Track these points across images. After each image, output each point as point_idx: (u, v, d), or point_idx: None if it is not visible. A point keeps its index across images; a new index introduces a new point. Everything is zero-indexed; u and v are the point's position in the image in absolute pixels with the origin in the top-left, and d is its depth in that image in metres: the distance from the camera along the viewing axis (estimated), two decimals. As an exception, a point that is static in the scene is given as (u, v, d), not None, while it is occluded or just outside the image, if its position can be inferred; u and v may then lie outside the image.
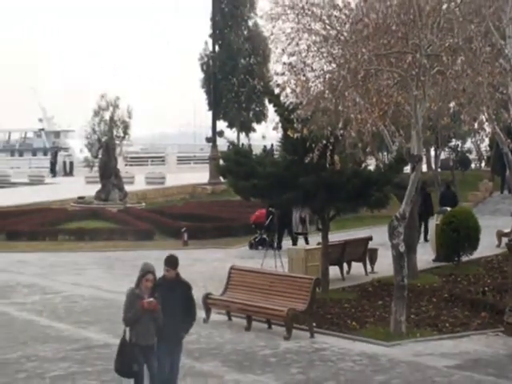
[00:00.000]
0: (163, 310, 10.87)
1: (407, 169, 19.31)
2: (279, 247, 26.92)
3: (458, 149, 51.81)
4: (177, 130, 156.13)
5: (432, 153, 46.41)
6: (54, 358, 15.06)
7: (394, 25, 16.11)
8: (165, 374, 11.03)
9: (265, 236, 28.75)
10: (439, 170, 47.30)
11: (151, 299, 10.74)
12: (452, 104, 17.84)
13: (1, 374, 14.07)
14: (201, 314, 17.77)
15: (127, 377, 10.86)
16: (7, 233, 31.58)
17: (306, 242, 27.67)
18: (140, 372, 10.76)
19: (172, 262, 11.53)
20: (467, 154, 53.44)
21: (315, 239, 23.17)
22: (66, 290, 21.86)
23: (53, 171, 59.59)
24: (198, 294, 18.25)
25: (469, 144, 53.01)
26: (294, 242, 27.80)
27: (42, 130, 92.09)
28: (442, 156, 51.15)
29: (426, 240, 26.89)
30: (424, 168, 21.54)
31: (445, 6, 16.40)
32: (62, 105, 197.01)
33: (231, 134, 55.87)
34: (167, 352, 11.07)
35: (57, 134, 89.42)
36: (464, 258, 23.73)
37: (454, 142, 50.33)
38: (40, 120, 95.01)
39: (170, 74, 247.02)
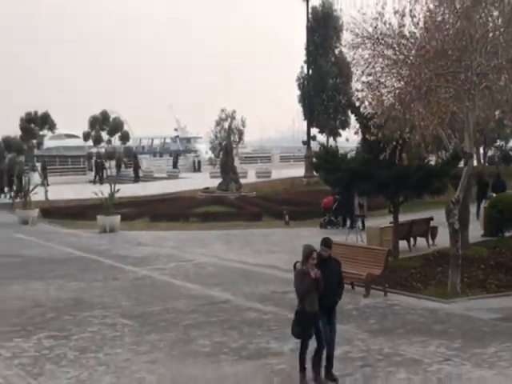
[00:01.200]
0: (326, 280, 10.72)
1: (461, 164, 19.40)
2: (351, 226, 27.03)
3: (502, 148, 51.43)
4: (279, 135, 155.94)
5: (481, 151, 45.97)
6: (187, 311, 15.45)
7: (450, 50, 16.18)
8: (328, 334, 10.83)
9: (332, 218, 28.99)
10: (486, 164, 46.96)
11: (317, 270, 10.56)
12: (497, 112, 17.74)
13: (147, 323, 14.51)
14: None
15: (303, 339, 10.66)
16: (151, 215, 32.21)
17: (363, 223, 27.36)
18: (312, 334, 10.57)
19: (328, 243, 11.29)
20: (510, 152, 52.97)
21: (387, 219, 23.20)
22: (195, 259, 22.28)
23: (175, 167, 60.49)
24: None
25: (511, 144, 52.50)
26: (354, 223, 27.46)
27: (177, 136, 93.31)
28: (489, 153, 50.76)
29: (478, 218, 26.75)
30: (474, 163, 21.39)
31: (491, 34, 16.37)
32: (192, 116, 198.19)
33: (322, 138, 55.83)
34: (326, 317, 10.87)
35: (188, 139, 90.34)
36: (506, 234, 23.72)
37: (498, 143, 50.10)
38: (175, 129, 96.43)
39: (273, 90, 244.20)
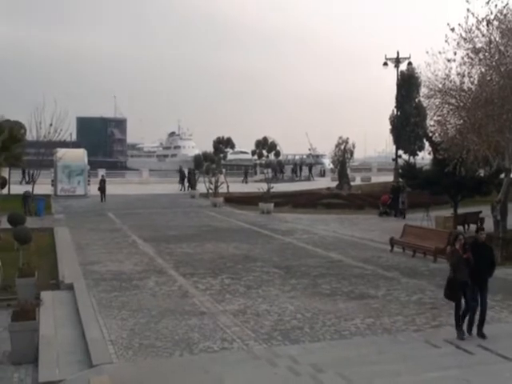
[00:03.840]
0: (478, 260, 9.09)
1: (502, 175, 18.27)
2: (402, 216, 26.39)
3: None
4: (377, 154, 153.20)
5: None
6: (314, 266, 15.34)
7: (496, 99, 15.37)
8: (475, 303, 9.14)
9: (387, 210, 27.84)
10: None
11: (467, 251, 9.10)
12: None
13: (289, 272, 14.48)
14: (387, 247, 17.88)
15: (453, 301, 9.32)
16: (292, 204, 32.00)
17: (403, 214, 26.51)
18: (460, 298, 9.17)
19: (483, 229, 9.95)
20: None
21: (449, 211, 22.25)
22: (320, 233, 22.08)
23: (296, 175, 60.63)
24: (386, 238, 18.42)
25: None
26: (397, 214, 26.88)
27: (310, 154, 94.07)
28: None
29: None
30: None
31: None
32: (320, 139, 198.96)
33: (405, 156, 54.57)
34: (478, 289, 9.18)
35: (317, 156, 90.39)
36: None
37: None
38: (309, 149, 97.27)
39: (374, 125, 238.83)
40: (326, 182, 48.14)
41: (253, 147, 32.38)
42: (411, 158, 54.96)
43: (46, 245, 18.21)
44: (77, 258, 16.18)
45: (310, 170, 61.38)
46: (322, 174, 62.02)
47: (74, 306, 11.08)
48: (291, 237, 20.91)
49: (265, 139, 31.55)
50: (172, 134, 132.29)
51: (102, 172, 47.51)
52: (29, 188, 27.96)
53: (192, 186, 43.68)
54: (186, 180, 45.09)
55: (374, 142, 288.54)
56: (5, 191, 27.71)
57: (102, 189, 35.09)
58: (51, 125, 30.39)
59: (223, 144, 37.60)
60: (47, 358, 8.27)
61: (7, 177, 30.14)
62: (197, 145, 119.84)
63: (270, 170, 32.87)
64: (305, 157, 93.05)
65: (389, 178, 48.70)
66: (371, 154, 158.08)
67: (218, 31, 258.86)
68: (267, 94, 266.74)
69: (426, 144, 27.02)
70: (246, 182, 49.41)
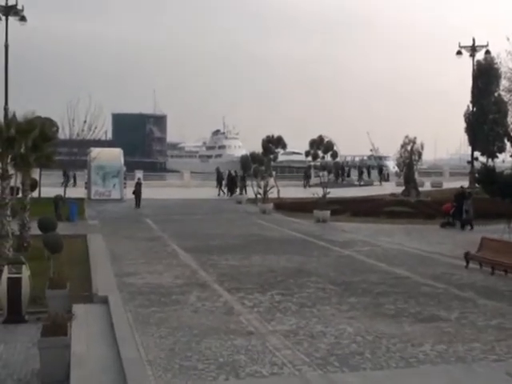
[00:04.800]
0: None
1: None
2: (470, 227, 26.10)
3: None
4: (449, 156, 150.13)
5: None
6: (377, 282, 15.03)
7: None
8: None
9: (450, 220, 27.24)
10: None
11: None
12: None
13: (348, 289, 14.31)
14: (461, 263, 17.46)
15: None
16: (351, 212, 31.83)
17: (471, 225, 26.22)
18: None
19: None
20: None
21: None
22: (383, 245, 21.85)
23: (361, 179, 60.35)
24: (460, 252, 18.00)
25: None
26: (466, 225, 26.38)
27: (372, 155, 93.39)
28: None
29: None
30: None
31: None
32: (386, 140, 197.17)
33: (482, 159, 53.19)
34: None
35: (380, 157, 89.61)
36: None
37: None
38: (371, 150, 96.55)
39: (445, 124, 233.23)
40: (390, 187, 47.54)
41: (306, 147, 32.31)
42: (490, 160, 53.65)
43: (79, 253, 18.67)
44: (111, 268, 16.51)
45: (381, 172, 61.21)
46: (386, 177, 61.33)
47: (109, 322, 11.30)
48: (350, 249, 20.75)
49: (320, 138, 31.44)
50: (216, 132, 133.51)
51: (139, 174, 48.45)
52: (74, 191, 28.69)
53: (231, 190, 43.95)
54: (224, 183, 45.39)
55: (446, 142, 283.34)
56: (35, 194, 28.55)
57: (136, 193, 35.14)
58: (85, 122, 31.27)
59: (273, 143, 37.69)
60: (79, 378, 8.45)
61: (38, 178, 31.12)
62: (243, 144, 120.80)
63: (325, 173, 32.63)
64: (366, 158, 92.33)
65: (463, 183, 47.63)
66: (442, 155, 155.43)
67: (267, 18, 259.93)
68: (323, 88, 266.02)
69: (508, 145, 26.38)
70: (307, 186, 48.96)
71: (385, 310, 12.53)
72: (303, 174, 55.76)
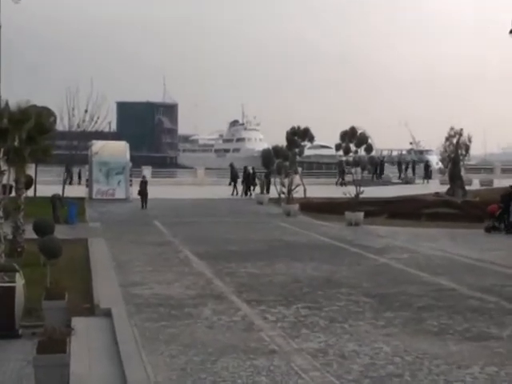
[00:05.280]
0: None
1: None
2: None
3: None
4: (501, 151, 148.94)
5: None
6: (418, 295, 14.95)
7: None
8: None
9: (495, 223, 27.02)
10: None
11: None
12: None
13: (384, 302, 14.28)
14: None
15: None
16: (389, 213, 31.84)
17: None
18: None
19: None
20: None
21: None
22: (425, 252, 21.72)
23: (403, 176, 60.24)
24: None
25: None
26: (508, 228, 26.46)
27: (412, 149, 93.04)
28: None
29: None
30: None
31: None
32: (425, 131, 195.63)
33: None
34: None
35: (421, 152, 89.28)
36: None
37: None
38: (410, 143, 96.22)
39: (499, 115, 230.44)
40: (433, 186, 47.34)
41: (336, 140, 32.22)
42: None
43: (79, 260, 18.81)
44: (116, 277, 16.61)
45: (427, 168, 60.77)
46: (429, 175, 61.05)
47: (112, 337, 11.36)
48: (387, 256, 20.68)
49: (353, 130, 31.30)
50: (234, 123, 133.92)
51: (146, 170, 48.80)
52: (73, 190, 28.93)
53: (247, 189, 44.04)
54: (240, 181, 45.50)
55: (497, 134, 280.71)
56: (31, 193, 28.81)
57: (142, 193, 35.01)
58: (86, 111, 31.55)
59: (299, 136, 37.68)
60: (79, 401, 8.49)
61: (33, 175, 31.39)
62: (265, 137, 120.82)
63: (359, 170, 32.54)
64: (405, 153, 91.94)
65: (518, 181, 47.34)
66: (493, 150, 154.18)
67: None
68: (352, 74, 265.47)
69: None
70: (343, 184, 48.58)
71: (427, 326, 12.43)
72: (337, 169, 55.27)
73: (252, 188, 45.45)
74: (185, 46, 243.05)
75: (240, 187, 45.05)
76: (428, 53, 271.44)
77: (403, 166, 63.41)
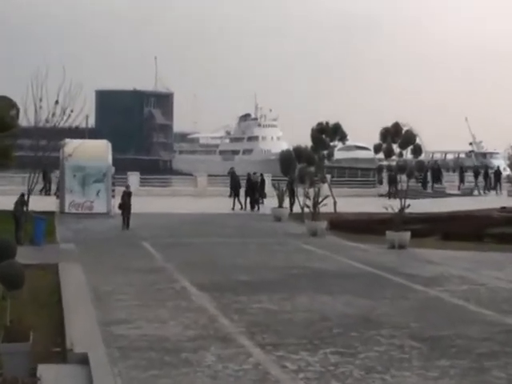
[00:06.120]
0: None
1: None
2: None
3: None
4: None
5: None
6: (479, 338, 14.94)
7: None
8: None
9: None
10: None
11: None
12: None
13: (437, 348, 14.25)
14: None
15: None
16: (442, 233, 31.70)
17: None
18: None
19: None
20: None
21: None
22: (489, 283, 21.61)
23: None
24: None
25: None
26: None
27: (472, 151, 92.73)
28: None
29: None
30: None
31: None
32: (488, 131, 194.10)
33: None
34: None
35: (483, 155, 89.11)
36: None
37: None
38: (470, 144, 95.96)
39: None
40: (499, 198, 47.07)
41: (376, 139, 32.18)
42: None
43: (47, 291, 18.85)
44: (94, 313, 16.62)
45: (486, 176, 60.08)
46: (494, 184, 60.80)
47: (89, 391, 11.38)
48: (439, 288, 20.63)
49: (397, 127, 31.23)
50: (245, 117, 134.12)
51: (133, 177, 48.93)
52: (40, 202, 28.92)
53: (253, 201, 43.90)
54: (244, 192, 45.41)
55: None
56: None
57: (124, 207, 34.01)
58: (57, 103, 31.65)
59: (328, 134, 37.73)
60: None
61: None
62: (284, 135, 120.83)
63: (405, 177, 32.51)
64: (463, 156, 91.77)
65: None
66: None
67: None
68: (397, 54, 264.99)
69: None
70: (391, 197, 48.07)
71: (491, 378, 12.37)
72: (387, 177, 53.96)
73: (260, 200, 45.36)
74: (182, 23, 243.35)
75: (243, 199, 44.94)
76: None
77: (479, 172, 62.41)
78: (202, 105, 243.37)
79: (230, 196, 47.08)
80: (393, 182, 50.12)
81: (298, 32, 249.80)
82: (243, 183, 46.54)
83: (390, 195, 50.31)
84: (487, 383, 12.11)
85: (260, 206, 45.24)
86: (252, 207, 44.63)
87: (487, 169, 64.11)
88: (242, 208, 44.76)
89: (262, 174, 47.29)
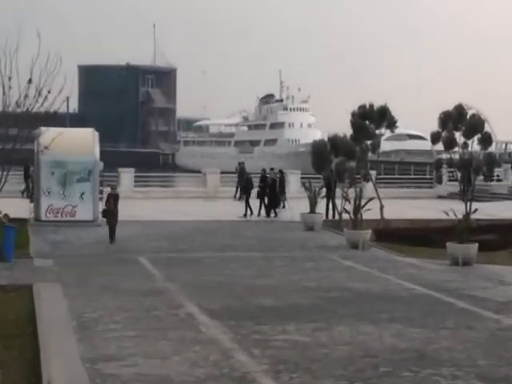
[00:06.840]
0: None
1: None
2: None
3: None
4: None
5: None
6: None
7: None
8: None
9: None
10: None
11: None
12: None
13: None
14: None
15: None
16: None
17: None
18: None
19: None
20: None
21: None
22: None
23: None
24: None
25: None
26: None
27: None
28: None
29: None
30: None
31: None
32: None
33: None
34: None
35: None
36: None
37: None
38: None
39: None
40: None
41: (434, 127, 32.05)
42: None
43: (19, 319, 18.91)
44: (77, 346, 16.66)
45: None
46: None
47: None
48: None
49: (460, 110, 31.12)
50: (267, 98, 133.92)
51: (127, 175, 48.96)
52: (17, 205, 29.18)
53: (272, 206, 43.24)
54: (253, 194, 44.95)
55: None
56: None
57: (109, 214, 33.53)
58: (30, 82, 31.76)
59: (372, 120, 37.66)
60: None
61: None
62: (316, 121, 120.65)
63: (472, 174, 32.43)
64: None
65: None
66: None
67: None
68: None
69: None
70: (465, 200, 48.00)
71: None
72: (461, 174, 53.72)
73: (281, 204, 44.77)
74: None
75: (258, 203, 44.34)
76: None
77: None
78: (212, 84, 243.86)
79: (240, 198, 46.64)
80: (466, 180, 50.34)
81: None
82: (256, 182, 45.49)
83: (463, 196, 50.22)
84: None
85: (278, 211, 44.35)
86: (268, 213, 43.76)
87: None
88: (245, 215, 43.62)
89: (281, 171, 46.73)
